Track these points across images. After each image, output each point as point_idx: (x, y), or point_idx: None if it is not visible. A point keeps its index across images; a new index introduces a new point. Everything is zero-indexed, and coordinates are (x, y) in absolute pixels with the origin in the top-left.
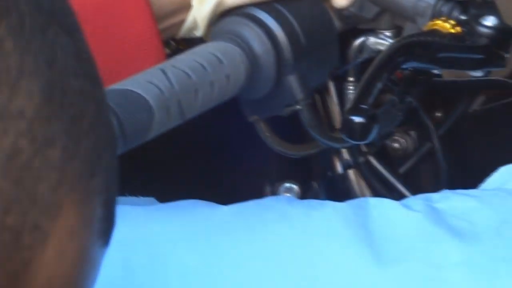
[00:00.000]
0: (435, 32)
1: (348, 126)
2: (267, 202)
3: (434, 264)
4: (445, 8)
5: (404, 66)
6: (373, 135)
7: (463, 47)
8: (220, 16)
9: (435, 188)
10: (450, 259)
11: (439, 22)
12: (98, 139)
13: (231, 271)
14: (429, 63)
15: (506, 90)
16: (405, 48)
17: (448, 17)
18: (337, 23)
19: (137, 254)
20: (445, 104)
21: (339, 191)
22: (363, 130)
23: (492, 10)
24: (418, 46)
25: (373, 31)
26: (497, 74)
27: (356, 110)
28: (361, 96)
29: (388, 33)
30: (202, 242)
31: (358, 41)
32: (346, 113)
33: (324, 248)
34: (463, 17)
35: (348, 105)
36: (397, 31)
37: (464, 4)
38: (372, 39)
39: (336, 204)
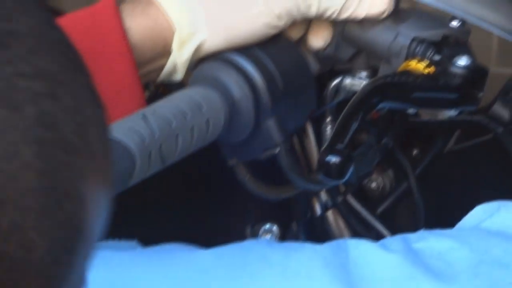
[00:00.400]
0: (409, 73)
1: (324, 165)
2: (247, 244)
3: None
4: (420, 49)
5: (379, 107)
6: (349, 173)
7: (437, 87)
8: (199, 61)
9: (413, 227)
10: None
11: (412, 62)
12: None
13: None
14: (403, 103)
15: (482, 128)
16: (379, 89)
17: (422, 57)
18: (314, 65)
19: None
20: (422, 142)
21: (318, 232)
22: (339, 169)
23: (466, 50)
24: (392, 86)
25: (349, 72)
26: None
27: (331, 150)
28: (337, 137)
29: (364, 74)
30: (185, 283)
31: (335, 82)
32: (321, 153)
33: None
34: (437, 58)
35: (324, 145)
36: (373, 72)
37: (438, 45)
38: (348, 80)
39: (316, 245)
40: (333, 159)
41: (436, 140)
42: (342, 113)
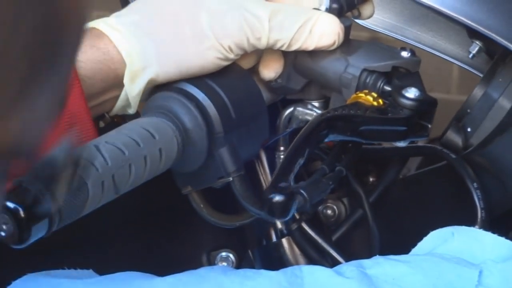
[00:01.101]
0: (357, 105)
1: (267, 204)
2: (203, 272)
3: None
4: (370, 80)
5: (327, 140)
6: (292, 211)
7: (385, 119)
8: (151, 90)
9: (368, 254)
10: None
11: (362, 95)
12: None
13: None
14: (352, 136)
15: (435, 156)
16: (326, 123)
17: (372, 89)
18: (266, 95)
19: None
20: (377, 169)
21: (274, 259)
22: (283, 208)
23: (416, 80)
24: (340, 120)
25: (301, 101)
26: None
27: (275, 188)
28: (281, 174)
29: (316, 104)
30: None
31: (287, 111)
32: (265, 191)
33: None
34: (387, 88)
35: (268, 183)
36: (325, 102)
37: (388, 76)
38: (300, 109)
39: (271, 272)
40: (276, 197)
41: (391, 167)
42: (288, 149)
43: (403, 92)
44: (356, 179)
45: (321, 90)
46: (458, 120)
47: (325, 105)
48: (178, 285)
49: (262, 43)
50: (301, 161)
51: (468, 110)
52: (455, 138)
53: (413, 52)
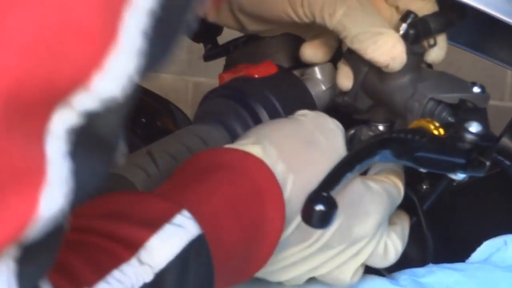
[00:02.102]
0: (418, 131)
1: (308, 212)
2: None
3: None
4: (435, 109)
5: (377, 160)
6: (332, 222)
7: (443, 149)
8: (203, 98)
9: (421, 263)
10: None
11: (423, 122)
12: None
13: None
14: (406, 161)
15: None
16: (382, 143)
17: (437, 118)
18: (323, 102)
19: None
20: (430, 176)
21: None
22: (322, 217)
23: (481, 116)
24: (397, 142)
25: (366, 123)
26: None
27: (317, 197)
28: (327, 183)
29: (381, 127)
30: None
31: (351, 131)
32: (307, 198)
33: None
34: (451, 120)
35: (311, 191)
36: (390, 126)
37: (454, 108)
38: (364, 130)
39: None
40: (318, 206)
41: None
42: (339, 161)
43: (466, 125)
44: (409, 186)
45: (387, 113)
46: None
47: (390, 129)
48: None
49: (332, 21)
50: (349, 175)
51: None
52: (510, 144)
53: (483, 88)
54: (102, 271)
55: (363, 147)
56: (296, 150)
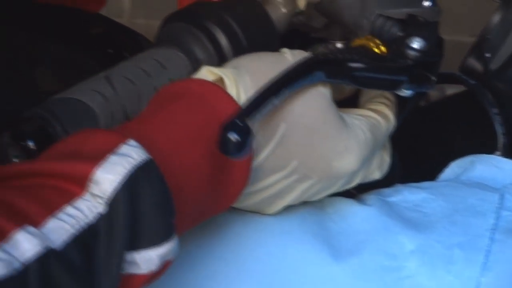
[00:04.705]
0: (355, 50)
1: (222, 141)
2: None
3: (389, 254)
4: (384, 25)
5: (311, 82)
6: (247, 151)
7: (382, 68)
8: (163, 22)
9: (389, 186)
10: (405, 247)
11: (364, 40)
12: None
13: (186, 271)
14: (344, 81)
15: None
16: (317, 65)
17: (386, 34)
18: (283, 24)
19: None
20: (398, 98)
21: None
22: (237, 146)
23: (431, 30)
24: (331, 63)
25: (324, 41)
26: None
27: (231, 126)
28: (245, 110)
29: (338, 44)
30: None
31: (309, 50)
32: (220, 127)
33: (280, 246)
34: (400, 35)
35: (229, 118)
36: (348, 43)
37: (404, 23)
38: (321, 48)
39: (292, 205)
40: (233, 135)
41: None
42: (263, 85)
43: (408, 41)
44: None
45: (344, 31)
46: (478, 47)
47: (326, 49)
48: None
49: None
50: (275, 101)
51: (487, 36)
52: (475, 64)
53: (434, 1)
54: (52, 208)
55: (294, 70)
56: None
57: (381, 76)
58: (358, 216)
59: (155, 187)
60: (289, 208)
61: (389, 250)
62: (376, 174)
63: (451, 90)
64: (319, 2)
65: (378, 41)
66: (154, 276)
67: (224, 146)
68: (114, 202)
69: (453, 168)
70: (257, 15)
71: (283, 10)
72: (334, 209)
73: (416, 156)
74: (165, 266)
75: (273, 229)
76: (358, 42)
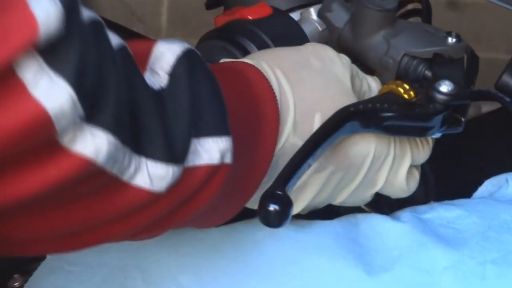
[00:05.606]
0: (385, 99)
1: (263, 212)
2: (257, 221)
3: (423, 270)
4: (410, 65)
5: (344, 135)
6: (288, 220)
7: (412, 116)
8: (199, 40)
9: (424, 203)
10: (439, 264)
11: (393, 86)
12: None
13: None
14: (376, 130)
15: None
16: (349, 117)
17: (412, 74)
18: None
19: None
20: None
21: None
22: (279, 218)
23: (457, 67)
24: (363, 114)
25: None
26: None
27: (272, 195)
28: (282, 178)
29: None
30: (195, 260)
31: None
32: (261, 198)
33: (314, 262)
34: (428, 74)
35: (268, 188)
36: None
37: (430, 62)
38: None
39: (326, 221)
40: (271, 207)
41: None
42: (298, 149)
43: (436, 85)
44: None
45: (365, 70)
46: None
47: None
48: (233, 234)
49: None
50: (311, 162)
51: None
52: (511, 81)
53: (458, 38)
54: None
55: (329, 125)
56: (286, 69)
57: (412, 124)
58: (392, 232)
59: (208, 76)
60: (323, 224)
61: (423, 266)
62: (403, 186)
63: (487, 107)
64: (342, 41)
65: (407, 86)
66: (213, 176)
67: (265, 217)
68: (174, 76)
69: (487, 186)
70: (291, 33)
71: (319, 28)
72: (368, 225)
73: (451, 174)
74: (223, 170)
75: (307, 245)
76: (386, 88)
